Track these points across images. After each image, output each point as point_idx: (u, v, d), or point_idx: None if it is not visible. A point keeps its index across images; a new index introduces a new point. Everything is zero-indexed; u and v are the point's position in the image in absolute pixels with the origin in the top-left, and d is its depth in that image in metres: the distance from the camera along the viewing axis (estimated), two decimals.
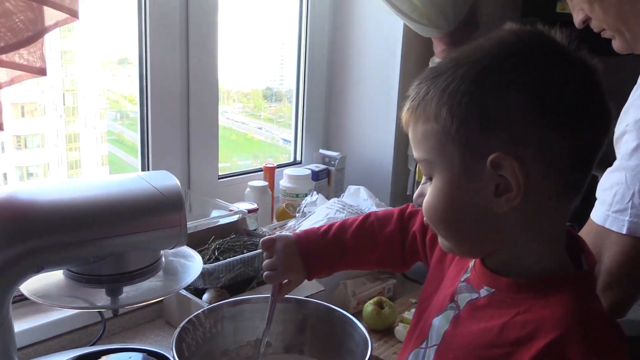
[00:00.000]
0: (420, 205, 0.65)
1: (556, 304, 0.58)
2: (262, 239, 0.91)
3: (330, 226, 0.93)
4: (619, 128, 0.87)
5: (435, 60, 1.62)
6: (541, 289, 0.60)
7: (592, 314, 0.59)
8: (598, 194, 0.87)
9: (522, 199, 0.57)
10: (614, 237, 0.82)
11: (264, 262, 0.90)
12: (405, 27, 1.62)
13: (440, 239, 0.67)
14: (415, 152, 0.64)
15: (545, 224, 0.61)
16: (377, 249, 0.90)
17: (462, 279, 0.68)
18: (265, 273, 0.90)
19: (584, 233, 0.86)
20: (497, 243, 0.62)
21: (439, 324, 0.69)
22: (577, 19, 1.03)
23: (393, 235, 0.89)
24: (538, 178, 0.58)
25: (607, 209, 0.83)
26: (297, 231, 0.95)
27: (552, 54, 0.59)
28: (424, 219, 0.65)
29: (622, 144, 0.85)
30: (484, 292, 0.64)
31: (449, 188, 0.61)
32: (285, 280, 0.90)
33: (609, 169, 0.87)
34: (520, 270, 0.62)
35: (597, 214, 0.85)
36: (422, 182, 0.66)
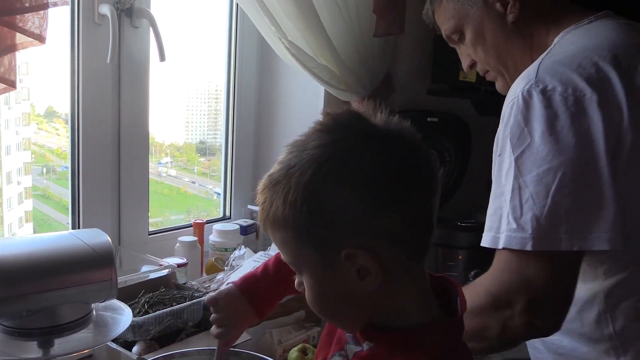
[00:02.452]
0: (302, 290, 0.71)
1: (423, 355, 0.66)
2: (207, 298, 0.96)
3: (267, 265, 0.99)
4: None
5: None
6: (412, 342, 0.67)
7: None
8: (486, 222, 0.94)
9: (382, 277, 0.64)
10: (497, 255, 0.91)
11: (212, 318, 0.95)
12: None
13: None
14: (281, 255, 0.71)
15: (407, 286, 0.68)
16: None
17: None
18: (215, 331, 0.95)
19: (496, 269, 0.92)
20: (372, 312, 0.69)
21: None
22: (465, 64, 1.19)
23: None
24: (389, 255, 0.65)
25: (495, 232, 0.91)
26: (235, 281, 0.99)
27: (365, 141, 0.65)
28: None
29: (495, 171, 0.94)
30: (365, 345, 0.71)
31: (317, 283, 0.68)
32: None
33: (490, 197, 0.95)
34: (399, 325, 0.69)
35: (486, 240, 0.92)
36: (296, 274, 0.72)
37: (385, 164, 0.64)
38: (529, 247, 0.86)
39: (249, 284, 0.98)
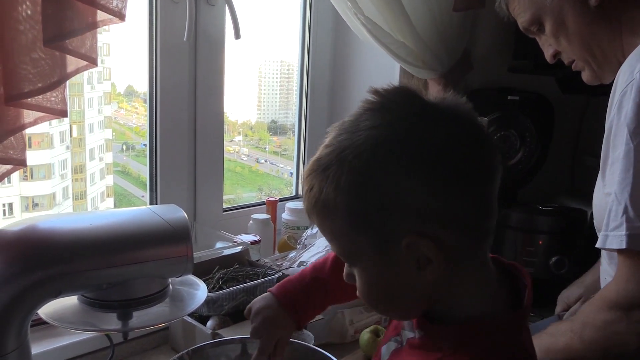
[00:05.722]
0: (352, 282, 0.67)
1: (473, 351, 0.61)
2: (246, 310, 0.92)
3: (304, 271, 0.95)
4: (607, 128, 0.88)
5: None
6: (459, 337, 0.63)
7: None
8: (596, 223, 0.87)
9: (443, 266, 0.60)
10: (618, 256, 0.82)
11: (250, 331, 0.92)
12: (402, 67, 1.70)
13: None
14: (330, 245, 0.66)
15: (467, 274, 0.64)
16: None
17: None
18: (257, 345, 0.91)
19: (619, 272, 0.83)
20: (431, 302, 0.65)
21: (384, 352, 0.74)
22: (548, 54, 1.11)
23: None
24: (451, 242, 0.60)
25: (604, 230, 0.83)
26: (272, 289, 0.95)
27: (422, 119, 0.60)
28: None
29: (607, 164, 0.86)
30: (417, 333, 0.67)
31: (371, 275, 0.64)
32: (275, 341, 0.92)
33: (599, 192, 0.87)
34: (457, 315, 0.65)
35: (600, 241, 0.84)
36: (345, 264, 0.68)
37: (447, 144, 0.59)
38: None
39: (284, 290, 0.93)
